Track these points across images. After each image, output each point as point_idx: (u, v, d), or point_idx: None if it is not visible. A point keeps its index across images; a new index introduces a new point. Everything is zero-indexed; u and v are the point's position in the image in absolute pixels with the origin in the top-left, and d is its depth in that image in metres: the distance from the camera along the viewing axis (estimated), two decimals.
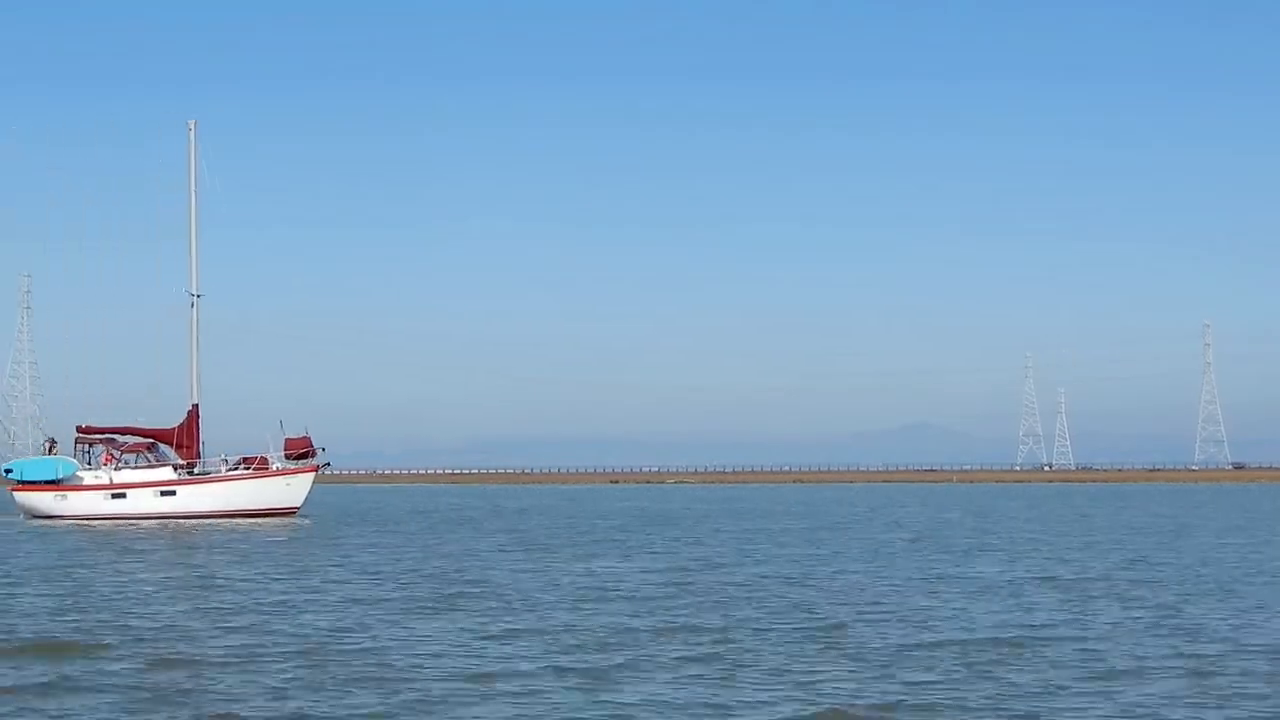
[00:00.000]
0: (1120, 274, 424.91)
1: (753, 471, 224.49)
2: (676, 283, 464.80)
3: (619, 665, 18.43)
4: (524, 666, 18.35)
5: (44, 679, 17.63)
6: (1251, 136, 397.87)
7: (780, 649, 19.91)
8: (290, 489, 63.18)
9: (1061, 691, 16.72)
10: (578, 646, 20.10)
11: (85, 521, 60.78)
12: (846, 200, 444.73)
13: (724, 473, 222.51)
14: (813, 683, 17.21)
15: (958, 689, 16.80)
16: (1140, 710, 15.70)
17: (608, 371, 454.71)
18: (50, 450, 64.17)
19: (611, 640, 20.75)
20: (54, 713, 15.83)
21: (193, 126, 66.36)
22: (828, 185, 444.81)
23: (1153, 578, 31.79)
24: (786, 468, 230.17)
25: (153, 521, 60.42)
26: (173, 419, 65.44)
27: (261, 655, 19.43)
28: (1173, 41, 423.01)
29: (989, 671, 18.00)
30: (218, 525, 57.58)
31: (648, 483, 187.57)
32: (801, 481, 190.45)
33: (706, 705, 15.92)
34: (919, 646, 20.07)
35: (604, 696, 16.35)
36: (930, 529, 55.51)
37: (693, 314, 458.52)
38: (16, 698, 16.50)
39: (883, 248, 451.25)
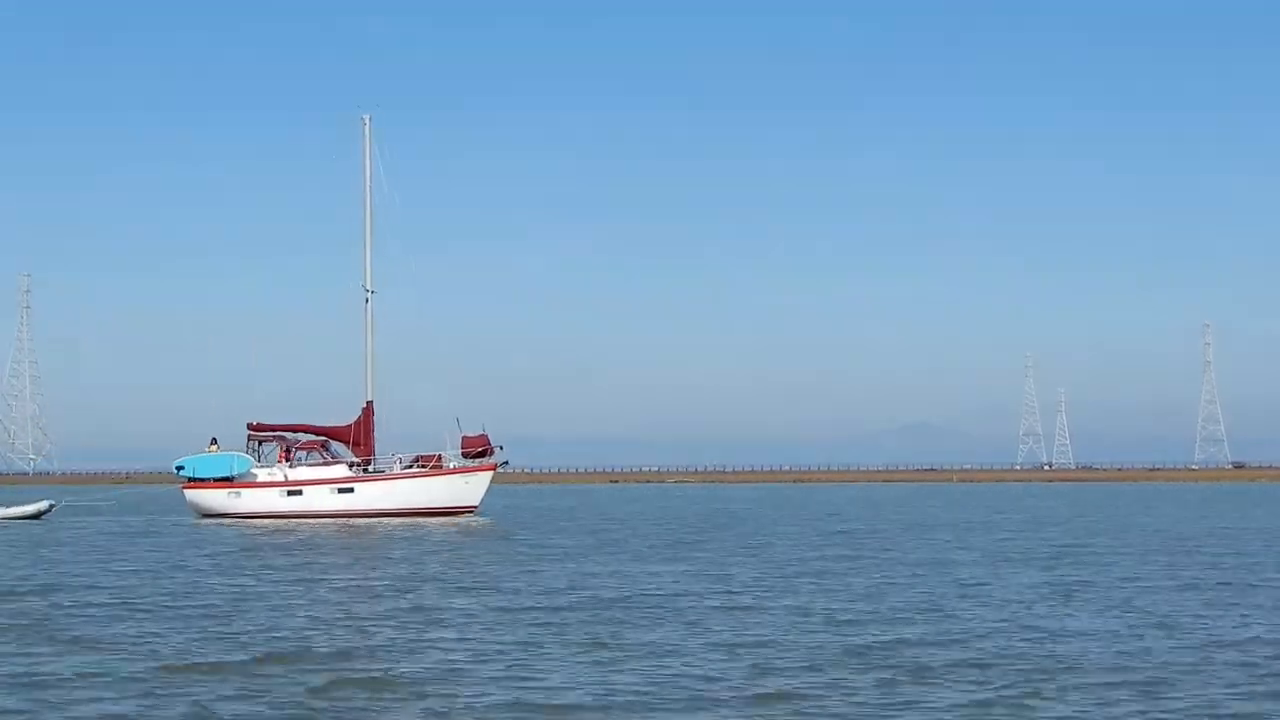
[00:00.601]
0: (1120, 273, 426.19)
1: (752, 471, 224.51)
2: (675, 281, 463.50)
3: None
4: None
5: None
6: (1252, 136, 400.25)
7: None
8: (468, 487, 62.88)
9: None
10: None
11: (259, 519, 60.53)
12: (847, 200, 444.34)
13: (724, 472, 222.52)
14: None
15: None
16: None
17: (607, 371, 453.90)
18: (215, 447, 63.60)
19: None
20: None
21: (367, 121, 66.06)
22: (828, 185, 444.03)
23: None
24: (786, 467, 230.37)
25: (331, 519, 60.15)
26: (334, 417, 65.32)
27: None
28: (1172, 42, 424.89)
29: None
30: (397, 524, 57.21)
31: (647, 482, 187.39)
32: (802, 481, 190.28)
33: None
34: None
35: None
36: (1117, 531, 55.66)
37: (692, 313, 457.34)
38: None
39: (883, 248, 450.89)
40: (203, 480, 63.17)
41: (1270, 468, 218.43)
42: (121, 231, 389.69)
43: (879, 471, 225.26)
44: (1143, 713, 15.33)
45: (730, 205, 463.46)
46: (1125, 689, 16.54)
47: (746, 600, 25.92)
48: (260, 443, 64.04)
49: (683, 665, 18.09)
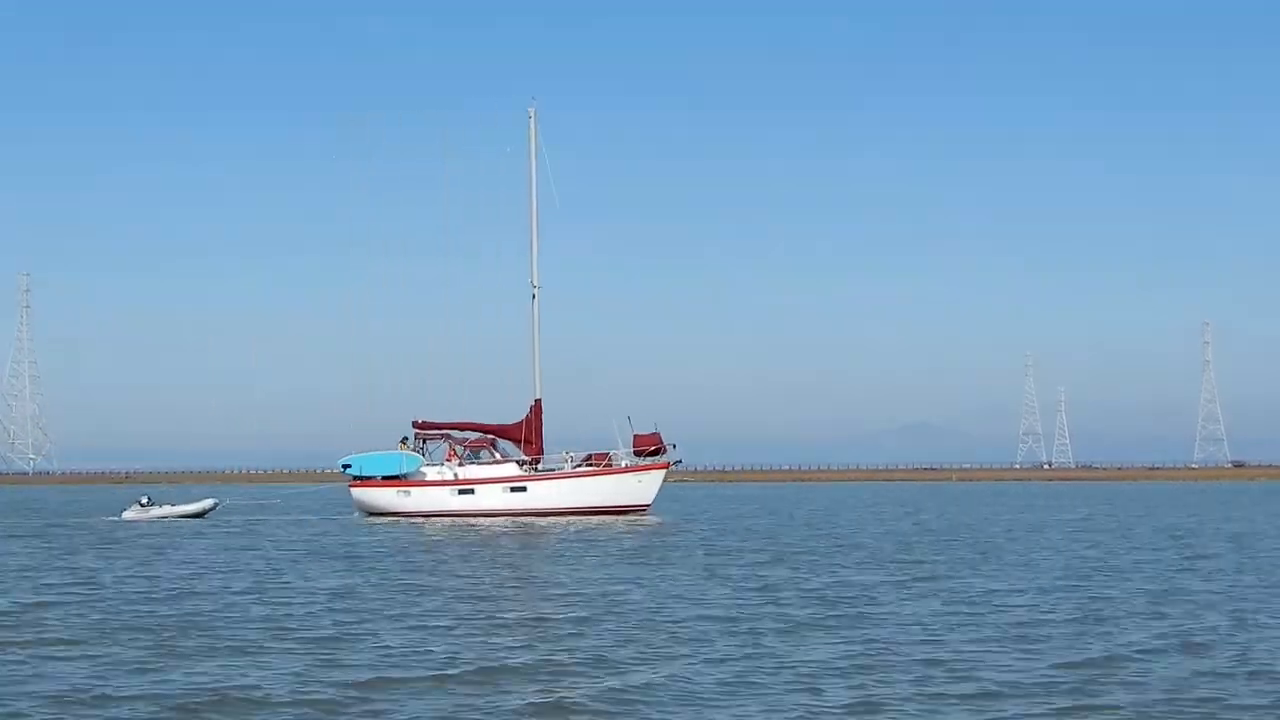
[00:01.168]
0: (1120, 273, 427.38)
1: (753, 471, 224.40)
2: (675, 281, 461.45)
3: None
4: None
5: None
6: (1252, 136, 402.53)
7: None
8: (642, 486, 62.31)
9: None
10: None
11: (429, 518, 59.86)
12: (847, 200, 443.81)
13: (724, 472, 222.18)
14: None
15: None
16: None
17: (607, 371, 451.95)
18: (405, 446, 62.75)
19: None
20: None
21: (532, 114, 65.23)
22: (828, 184, 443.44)
23: None
24: (786, 467, 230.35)
25: (503, 519, 59.50)
26: (499, 415, 64.69)
27: None
28: (1172, 42, 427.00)
29: None
30: (572, 522, 56.69)
31: None
32: (802, 481, 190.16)
33: None
34: None
35: None
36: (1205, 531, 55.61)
37: (693, 313, 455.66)
38: None
39: (883, 248, 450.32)
40: (369, 478, 62.43)
41: (1270, 467, 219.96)
42: (121, 231, 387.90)
43: (879, 471, 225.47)
44: None
45: (730, 205, 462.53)
46: None
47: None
48: (425, 440, 63.31)
49: None
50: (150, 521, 60.06)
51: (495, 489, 61.88)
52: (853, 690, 16.52)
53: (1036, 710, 15.43)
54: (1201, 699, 16.04)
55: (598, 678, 17.39)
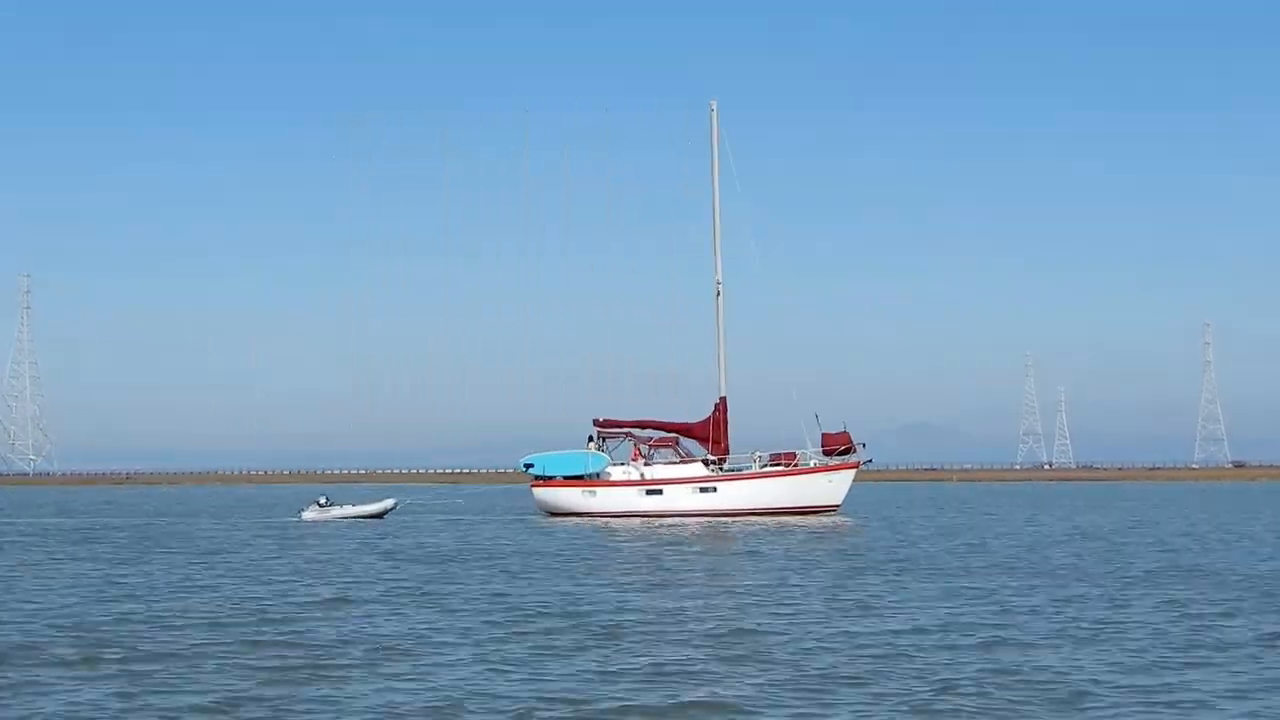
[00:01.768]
0: (1120, 273, 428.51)
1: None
2: (673, 282, 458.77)
3: None
4: None
5: None
6: (1252, 136, 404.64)
7: None
8: (832, 486, 61.23)
9: None
10: None
11: (615, 518, 58.64)
12: (847, 200, 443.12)
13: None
14: None
15: None
16: None
17: (604, 369, 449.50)
18: (592, 446, 61.40)
19: None
20: None
21: (714, 107, 64.00)
22: (828, 185, 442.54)
23: None
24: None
25: (694, 520, 58.28)
26: (676, 413, 63.58)
27: None
28: (1172, 42, 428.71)
29: None
30: (774, 522, 55.59)
31: None
32: None
33: None
34: None
35: None
36: None
37: (690, 313, 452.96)
38: None
39: (883, 248, 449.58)
40: (552, 478, 61.14)
41: (1270, 467, 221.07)
42: (121, 231, 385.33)
43: (879, 471, 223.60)
44: None
45: (730, 205, 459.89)
46: None
47: None
48: (606, 439, 62.02)
49: None
50: (327, 522, 58.63)
51: (685, 489, 60.68)
52: None
53: None
54: None
55: None
